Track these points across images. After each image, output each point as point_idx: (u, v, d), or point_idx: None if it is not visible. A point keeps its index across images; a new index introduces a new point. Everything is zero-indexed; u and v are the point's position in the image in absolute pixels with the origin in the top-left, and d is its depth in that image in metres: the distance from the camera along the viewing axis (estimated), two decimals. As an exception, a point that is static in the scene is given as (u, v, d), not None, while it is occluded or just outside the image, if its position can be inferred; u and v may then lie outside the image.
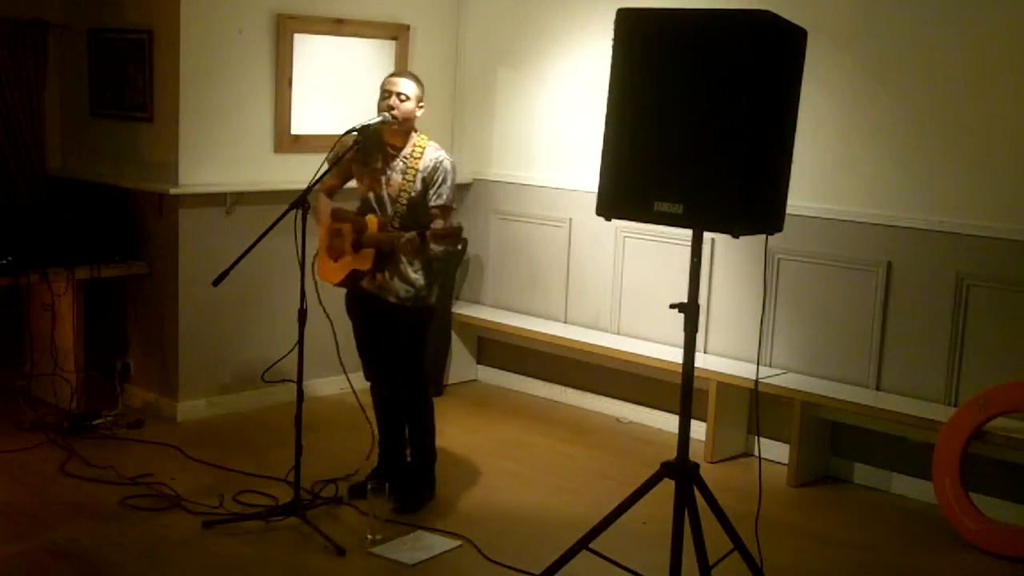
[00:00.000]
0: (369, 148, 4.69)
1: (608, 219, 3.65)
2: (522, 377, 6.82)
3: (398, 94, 4.62)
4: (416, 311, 4.72)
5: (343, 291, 4.88)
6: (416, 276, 4.67)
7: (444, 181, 4.65)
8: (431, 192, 4.64)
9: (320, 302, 4.59)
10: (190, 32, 5.67)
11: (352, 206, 4.80)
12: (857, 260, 5.43)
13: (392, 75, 4.77)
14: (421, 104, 4.69)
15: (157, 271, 5.91)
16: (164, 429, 5.71)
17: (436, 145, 4.73)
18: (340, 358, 4.92)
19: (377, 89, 4.72)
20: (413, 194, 4.63)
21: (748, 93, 3.34)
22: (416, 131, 4.74)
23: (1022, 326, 4.98)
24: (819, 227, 5.51)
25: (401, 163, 4.67)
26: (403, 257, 4.59)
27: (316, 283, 4.72)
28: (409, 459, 4.96)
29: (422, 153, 4.66)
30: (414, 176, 4.63)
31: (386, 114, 4.63)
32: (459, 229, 4.47)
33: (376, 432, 5.01)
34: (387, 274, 4.67)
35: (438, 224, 4.53)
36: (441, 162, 4.66)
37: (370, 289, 4.73)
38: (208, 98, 5.78)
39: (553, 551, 3.96)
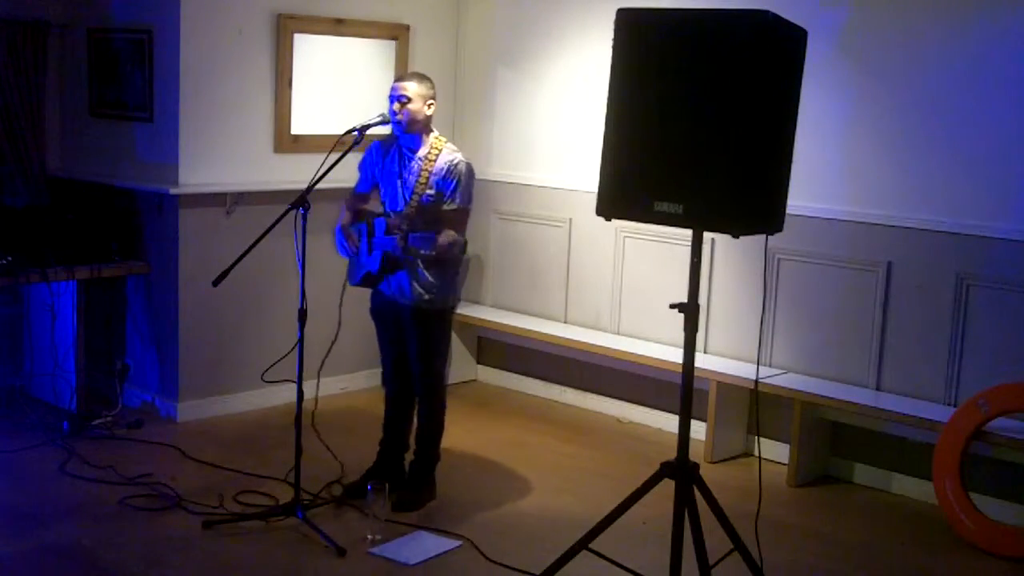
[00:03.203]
0: (388, 151, 4.72)
1: (608, 219, 3.65)
2: (522, 377, 6.82)
3: (399, 98, 4.61)
4: (431, 313, 4.72)
5: (352, 293, 4.89)
6: (431, 280, 4.67)
7: (459, 184, 4.63)
8: (446, 195, 4.64)
9: (341, 305, 4.61)
10: (190, 32, 5.67)
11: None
12: (857, 260, 5.43)
13: (396, 79, 4.76)
14: (430, 103, 4.66)
15: (157, 271, 5.91)
16: (164, 429, 5.71)
17: (453, 147, 4.72)
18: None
19: (377, 89, 4.72)
20: (424, 197, 4.63)
21: (748, 93, 3.34)
22: (434, 132, 4.73)
23: (1022, 326, 4.98)
24: (819, 227, 5.51)
25: (416, 165, 4.66)
26: (417, 260, 4.60)
27: (344, 287, 4.81)
28: (412, 459, 4.95)
29: (437, 156, 4.65)
30: (427, 179, 4.62)
31: (384, 113, 4.64)
32: (450, 245, 4.50)
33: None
34: (401, 277, 4.68)
35: (447, 232, 4.58)
36: (456, 164, 4.64)
37: (389, 294, 4.75)
38: (208, 98, 5.78)
39: (553, 551, 3.96)
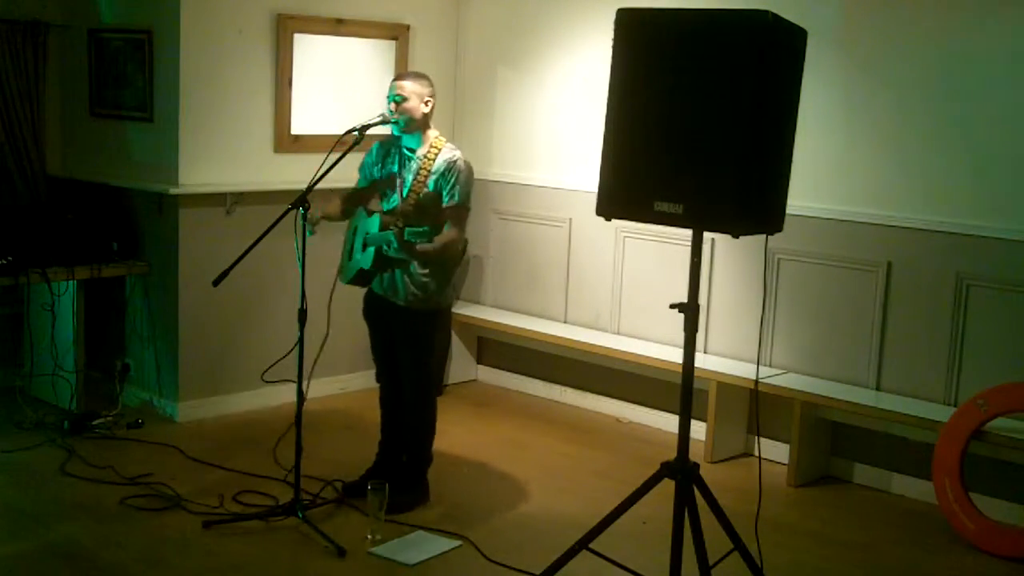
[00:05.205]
0: (388, 152, 4.72)
1: (608, 219, 3.65)
2: (522, 377, 6.82)
3: (394, 97, 4.61)
4: (423, 312, 4.72)
5: (350, 293, 4.89)
6: (426, 279, 4.67)
7: (457, 181, 4.61)
8: (445, 192, 4.63)
9: (329, 306, 4.60)
10: (190, 32, 5.67)
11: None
12: (857, 260, 5.43)
13: (394, 78, 4.76)
14: (427, 100, 4.65)
15: (157, 271, 5.91)
16: (164, 429, 5.71)
17: (452, 146, 4.71)
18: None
19: (377, 89, 4.71)
20: (421, 195, 4.62)
21: (748, 93, 3.34)
22: (433, 132, 4.72)
23: (1022, 326, 4.98)
24: (819, 227, 5.51)
25: (415, 164, 4.66)
26: (410, 258, 4.60)
27: (334, 287, 4.76)
28: (404, 460, 4.95)
29: (436, 155, 4.65)
30: (426, 177, 4.62)
31: (384, 113, 4.63)
32: (448, 245, 4.48)
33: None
34: (395, 275, 4.67)
35: (447, 231, 4.58)
36: (455, 162, 4.63)
37: (380, 292, 4.74)
38: (208, 98, 5.78)
39: (553, 551, 3.96)
